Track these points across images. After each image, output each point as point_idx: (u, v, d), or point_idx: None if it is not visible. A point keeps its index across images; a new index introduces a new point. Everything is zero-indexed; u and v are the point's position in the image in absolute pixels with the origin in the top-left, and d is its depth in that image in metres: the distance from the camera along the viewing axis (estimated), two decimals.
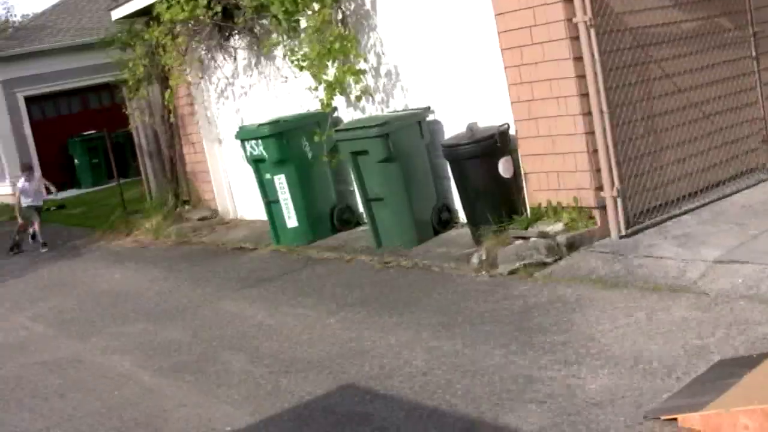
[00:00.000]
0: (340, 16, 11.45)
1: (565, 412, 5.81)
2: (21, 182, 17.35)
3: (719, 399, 5.35)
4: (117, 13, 16.18)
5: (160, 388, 7.86)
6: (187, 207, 16.00)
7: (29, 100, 27.59)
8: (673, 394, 5.77)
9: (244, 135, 12.39)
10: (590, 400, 5.91)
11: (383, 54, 11.52)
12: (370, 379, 7.08)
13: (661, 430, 5.33)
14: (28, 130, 27.51)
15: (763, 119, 10.77)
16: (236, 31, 13.61)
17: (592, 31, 8.86)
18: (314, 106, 12.05)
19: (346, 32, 11.29)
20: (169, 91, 15.00)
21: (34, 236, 17.25)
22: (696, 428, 5.25)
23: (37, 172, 19.88)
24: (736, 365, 5.93)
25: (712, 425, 5.20)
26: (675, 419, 5.38)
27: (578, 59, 9.04)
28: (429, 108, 10.98)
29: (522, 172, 9.90)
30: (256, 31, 13.26)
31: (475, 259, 9.40)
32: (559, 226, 9.31)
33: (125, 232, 16.29)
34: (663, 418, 5.45)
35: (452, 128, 10.62)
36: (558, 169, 9.47)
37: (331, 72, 11.42)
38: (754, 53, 10.69)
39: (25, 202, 17.07)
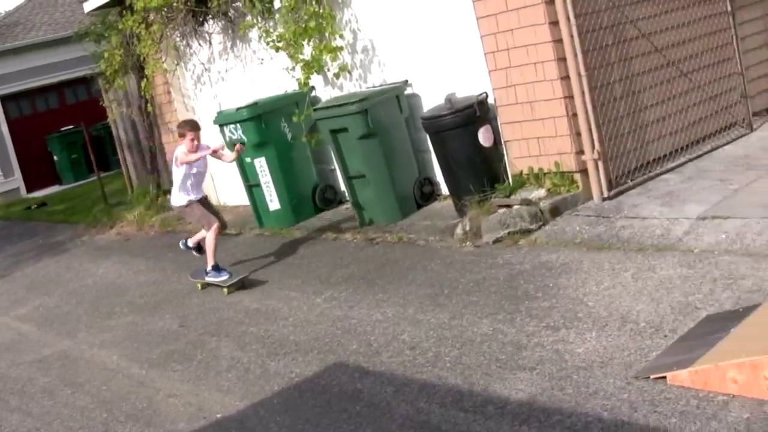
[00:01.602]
0: None
1: (554, 378, 5.78)
2: (185, 151, 9.91)
3: (707, 354, 5.33)
4: (89, 5, 15.99)
5: (150, 380, 7.78)
6: (169, 196, 15.89)
7: (5, 99, 27.32)
8: (662, 352, 5.73)
9: (223, 120, 12.27)
10: (579, 364, 5.88)
11: (359, 30, 11.42)
12: (358, 357, 7.03)
13: (651, 390, 5.30)
14: (5, 128, 27.20)
15: (741, 74, 10.74)
16: (210, 16, 13.49)
17: None
18: (292, 87, 11.96)
19: (321, 10, 11.17)
20: (145, 80, 14.88)
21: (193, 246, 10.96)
22: (685, 385, 5.22)
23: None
24: (722, 320, 5.90)
25: (701, 381, 5.17)
26: (664, 377, 5.35)
27: (554, 23, 8.99)
28: (407, 82, 10.90)
29: (502, 140, 9.84)
30: (230, 14, 13.15)
31: (459, 230, 9.34)
32: (541, 192, 9.27)
33: (108, 224, 16.10)
34: (652, 377, 5.42)
35: (431, 100, 10.52)
36: (538, 135, 9.41)
37: (307, 51, 11.32)
38: (729, 8, 10.66)
39: (186, 197, 10.20)
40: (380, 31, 11.12)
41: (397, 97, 10.65)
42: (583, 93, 8.92)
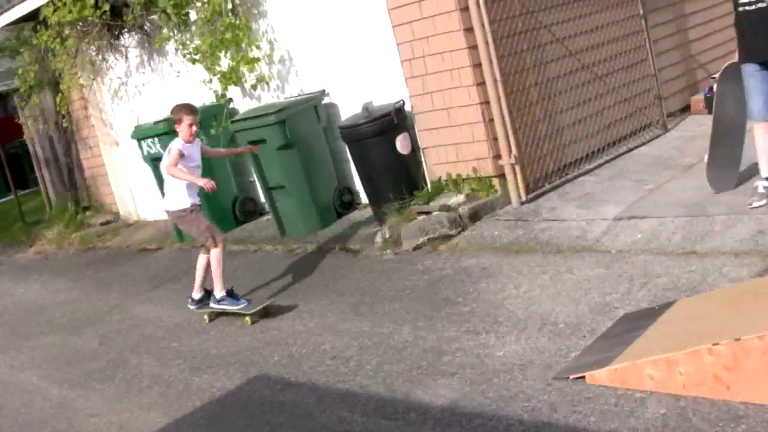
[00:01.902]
0: (230, 6, 11.24)
1: (475, 382, 5.79)
2: (181, 144, 8.33)
3: (624, 353, 5.38)
4: (2, 20, 15.71)
5: (70, 400, 7.65)
6: (88, 213, 15.70)
7: None
8: (580, 352, 5.78)
9: (140, 134, 12.15)
10: (500, 368, 5.90)
11: (276, 40, 11.37)
12: (280, 369, 6.99)
13: (570, 390, 5.34)
14: None
15: (654, 76, 10.89)
16: (126, 29, 13.35)
17: (482, 1, 8.83)
18: (210, 99, 11.86)
19: (237, 21, 11.12)
20: (61, 95, 14.68)
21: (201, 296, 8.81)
22: (604, 384, 5.27)
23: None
24: (639, 318, 5.97)
25: (618, 379, 5.22)
26: (583, 377, 5.40)
27: (469, 30, 9.02)
28: (324, 91, 10.89)
29: (420, 147, 9.87)
30: (146, 27, 13.04)
31: (379, 239, 9.34)
32: (460, 197, 9.30)
33: (27, 243, 15.84)
34: (572, 377, 5.46)
35: (350, 109, 10.51)
36: (455, 141, 9.44)
37: (224, 63, 11.25)
38: (641, 11, 10.79)
39: (189, 199, 8.40)
40: (297, 41, 11.09)
41: (314, 107, 10.63)
42: (499, 98, 8.96)
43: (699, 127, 10.47)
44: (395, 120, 9.64)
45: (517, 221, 8.74)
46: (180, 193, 8.33)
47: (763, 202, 7.45)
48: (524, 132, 9.26)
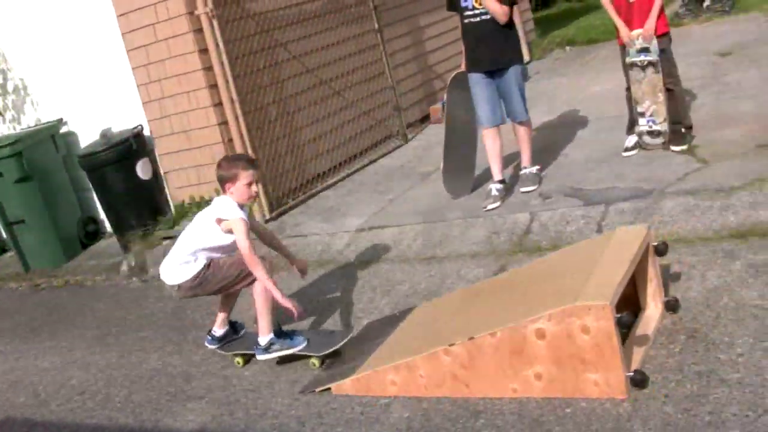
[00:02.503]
0: None
1: (224, 404, 5.76)
2: (243, 213, 6.13)
3: (368, 361, 5.48)
4: None
5: None
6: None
7: None
8: (326, 364, 5.83)
9: None
10: (247, 387, 5.91)
11: (9, 69, 11.01)
12: (26, 410, 6.71)
13: (317, 403, 5.39)
14: None
15: (393, 88, 11.15)
16: None
17: (215, 22, 8.85)
18: None
19: None
20: None
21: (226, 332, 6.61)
22: (350, 393, 5.35)
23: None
24: (381, 326, 6.10)
25: (363, 387, 5.31)
26: (329, 389, 5.45)
27: (204, 51, 9.01)
28: (62, 120, 10.61)
29: (162, 172, 9.77)
30: None
31: (124, 267, 9.19)
32: None
33: None
34: (317, 390, 5.51)
35: (90, 137, 10.27)
36: (197, 163, 9.41)
37: None
38: (377, 26, 11.04)
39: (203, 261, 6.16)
40: (32, 70, 10.77)
41: (52, 136, 10.32)
42: (237, 118, 8.98)
43: (437, 135, 10.76)
44: (134, 145, 9.51)
45: None
46: (196, 255, 6.18)
47: (497, 204, 7.74)
48: (265, 150, 9.31)
